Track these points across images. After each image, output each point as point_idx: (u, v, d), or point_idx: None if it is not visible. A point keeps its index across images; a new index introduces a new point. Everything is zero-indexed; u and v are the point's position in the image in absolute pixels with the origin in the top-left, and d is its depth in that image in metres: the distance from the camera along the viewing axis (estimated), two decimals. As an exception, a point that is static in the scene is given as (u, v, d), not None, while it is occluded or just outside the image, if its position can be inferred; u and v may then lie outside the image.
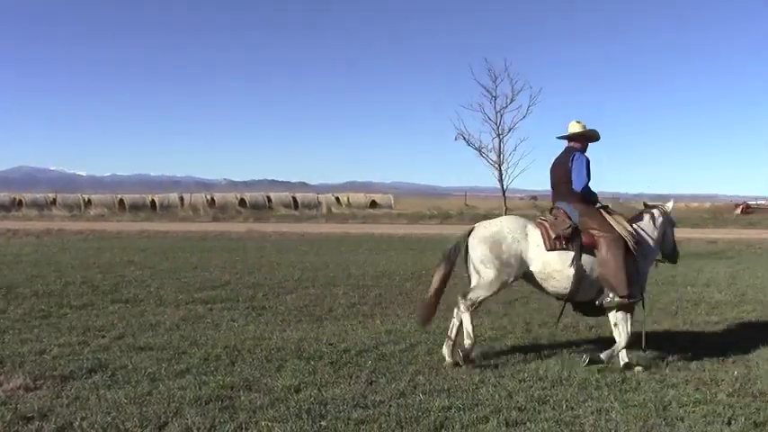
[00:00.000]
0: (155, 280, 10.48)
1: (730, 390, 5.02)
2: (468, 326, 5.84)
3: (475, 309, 5.99)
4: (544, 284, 6.05)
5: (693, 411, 4.55)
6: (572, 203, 6.19)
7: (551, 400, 4.74)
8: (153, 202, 42.82)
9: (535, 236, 5.99)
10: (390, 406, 4.59)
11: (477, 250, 6.04)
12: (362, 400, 4.70)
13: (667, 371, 5.53)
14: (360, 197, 47.71)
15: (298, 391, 4.90)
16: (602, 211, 6.24)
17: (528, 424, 4.29)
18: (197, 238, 20.51)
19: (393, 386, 5.03)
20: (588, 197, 6.28)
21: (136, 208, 40.56)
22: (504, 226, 6.11)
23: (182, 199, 43.43)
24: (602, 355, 5.66)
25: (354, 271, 11.90)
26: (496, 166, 12.17)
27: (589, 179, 6.26)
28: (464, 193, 68.19)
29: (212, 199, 43.94)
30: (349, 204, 44.26)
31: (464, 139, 12.09)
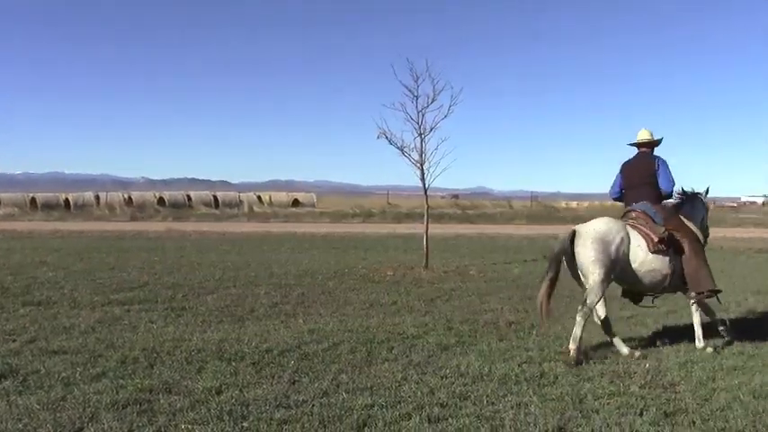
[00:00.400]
0: (69, 281, 10.14)
1: (642, 382, 5.21)
2: (578, 331, 5.98)
3: (590, 314, 6.20)
4: (637, 282, 6.49)
5: (608, 403, 4.70)
6: (655, 206, 6.71)
7: (472, 396, 4.82)
8: (67, 200, 41.41)
9: (636, 238, 6.35)
10: (313, 405, 4.57)
11: (589, 251, 6.17)
12: (285, 400, 4.67)
13: (584, 364, 5.69)
14: (282, 196, 47.40)
15: (219, 392, 4.83)
16: (676, 211, 6.87)
17: (450, 420, 4.34)
18: (114, 237, 19.96)
19: (316, 385, 5.01)
20: (670, 197, 6.95)
21: (49, 207, 39.11)
22: (612, 227, 6.30)
23: (97, 198, 42.15)
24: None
25: (276, 270, 11.80)
26: (418, 165, 12.27)
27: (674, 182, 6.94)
28: (386, 191, 68.52)
29: (130, 198, 42.82)
30: (271, 203, 43.88)
31: (386, 138, 12.14)
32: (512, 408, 4.58)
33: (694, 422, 4.37)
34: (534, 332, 6.90)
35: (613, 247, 6.17)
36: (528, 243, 18.46)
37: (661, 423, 4.35)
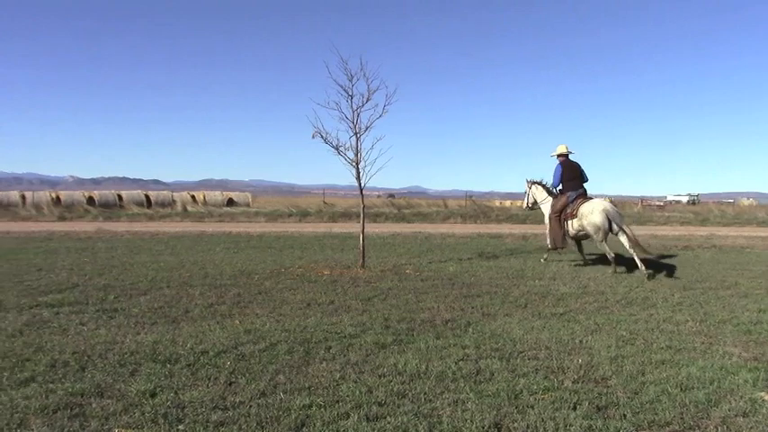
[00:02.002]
0: (-6, 283, 9.79)
1: (575, 377, 5.33)
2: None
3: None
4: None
5: (542, 398, 4.79)
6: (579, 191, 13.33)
7: (410, 394, 4.85)
8: (-10, 200, 39.97)
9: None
10: (251, 406, 4.54)
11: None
12: (222, 402, 4.62)
13: (519, 360, 5.79)
14: (216, 195, 46.73)
15: (153, 395, 4.75)
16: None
17: (388, 418, 4.37)
18: (41, 238, 19.34)
19: (253, 386, 4.97)
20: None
21: (-29, 207, 37.68)
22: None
23: (23, 197, 40.77)
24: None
25: (211, 270, 11.64)
26: (354, 164, 12.25)
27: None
28: (322, 190, 68.21)
29: (58, 197, 41.57)
30: (205, 203, 43.22)
31: (321, 137, 12.07)
32: (449, 405, 4.63)
33: (625, 415, 4.50)
34: (470, 330, 6.99)
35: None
36: (463, 242, 18.65)
37: (594, 417, 4.47)
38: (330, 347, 6.15)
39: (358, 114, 12.09)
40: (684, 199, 76.03)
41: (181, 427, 4.18)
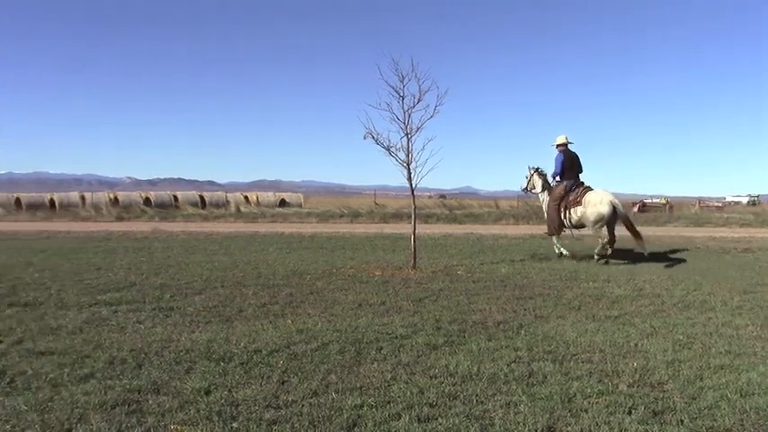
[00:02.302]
0: (55, 282, 10.08)
1: (630, 380, 5.24)
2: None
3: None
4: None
5: (596, 402, 4.72)
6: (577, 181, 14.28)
7: (462, 396, 4.84)
8: (52, 200, 41.12)
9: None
10: (303, 405, 4.58)
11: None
12: (274, 401, 4.67)
13: (572, 363, 5.72)
14: (269, 196, 47.20)
15: (208, 393, 4.83)
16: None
17: (439, 419, 4.36)
18: (100, 238, 19.83)
19: (305, 386, 5.02)
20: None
21: (34, 207, 38.79)
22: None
23: (83, 198, 41.83)
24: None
25: (264, 270, 11.77)
26: (405, 164, 12.24)
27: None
28: (373, 191, 68.32)
29: (116, 198, 42.53)
30: (258, 203, 43.71)
31: (373, 138, 12.09)
32: (501, 407, 4.60)
33: (682, 421, 4.41)
34: (522, 332, 6.93)
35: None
36: (515, 243, 18.50)
37: (649, 422, 4.38)
38: (381, 348, 6.17)
39: (409, 115, 12.10)
40: (744, 200, 73.95)
41: (234, 424, 4.24)
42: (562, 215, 14.12)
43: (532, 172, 15.42)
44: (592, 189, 13.93)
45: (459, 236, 21.20)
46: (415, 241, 12.60)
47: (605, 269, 12.47)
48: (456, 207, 38.45)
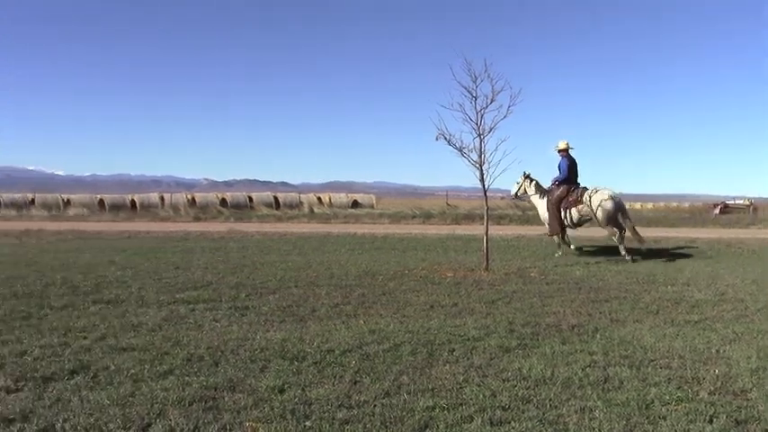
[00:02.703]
0: (136, 280, 10.41)
1: (711, 388, 5.07)
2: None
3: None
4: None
5: (675, 409, 4.59)
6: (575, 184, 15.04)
7: (535, 400, 4.77)
8: (133, 201, 42.50)
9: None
10: (375, 406, 4.59)
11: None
12: (347, 401, 4.70)
13: (650, 369, 5.57)
14: (341, 197, 47.62)
15: (282, 391, 4.90)
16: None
17: (512, 423, 4.31)
18: (178, 238, 20.37)
19: (377, 386, 5.03)
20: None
21: (116, 208, 40.18)
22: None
23: (162, 199, 43.11)
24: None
25: (337, 271, 11.88)
26: (478, 165, 12.16)
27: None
28: (445, 192, 68.09)
29: (193, 199, 43.67)
30: (331, 204, 44.15)
31: (445, 139, 12.04)
32: (575, 412, 4.51)
33: (767, 430, 4.24)
34: (598, 336, 6.79)
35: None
36: (590, 244, 18.15)
37: (732, 431, 4.24)
38: (453, 350, 6.14)
39: (482, 116, 12.01)
40: None
41: (308, 423, 4.28)
42: (563, 215, 14.95)
43: (524, 178, 16.20)
44: (588, 189, 14.89)
45: (532, 237, 20.92)
46: (487, 242, 12.50)
47: (685, 273, 12.11)
48: (529, 208, 37.99)
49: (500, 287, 10.04)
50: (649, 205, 55.74)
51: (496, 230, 22.21)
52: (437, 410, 4.51)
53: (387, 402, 4.67)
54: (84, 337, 6.52)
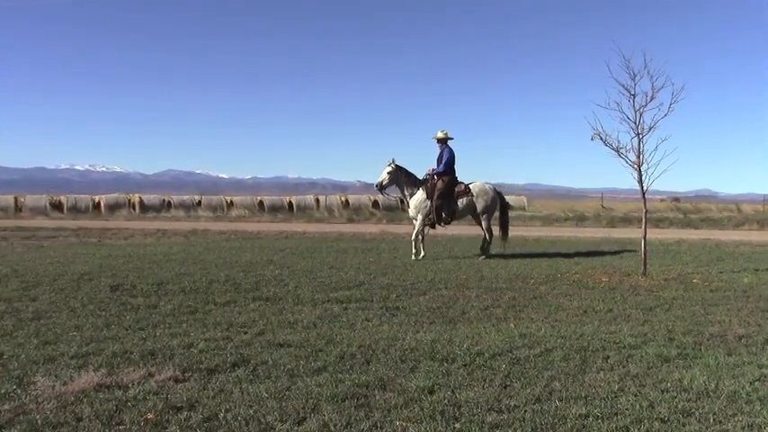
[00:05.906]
0: (292, 279, 10.81)
1: None
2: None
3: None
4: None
5: None
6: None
7: (697, 413, 4.51)
8: (290, 203, 44.22)
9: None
10: (525, 411, 4.52)
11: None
12: (497, 404, 4.65)
13: None
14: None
15: (431, 392, 4.92)
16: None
17: (672, 436, 4.11)
18: (332, 238, 20.98)
19: (528, 391, 4.95)
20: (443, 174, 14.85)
21: (274, 209, 41.98)
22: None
23: (317, 200, 44.60)
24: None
25: (487, 273, 11.80)
26: (635, 166, 11.67)
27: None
28: (600, 194, 66.04)
29: (347, 200, 44.84)
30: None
31: (601, 139, 11.65)
32: (742, 428, 4.24)
33: None
34: (768, 348, 6.33)
35: None
36: (761, 251, 16.98)
37: None
38: (608, 357, 5.93)
39: (640, 114, 11.55)
40: None
41: (457, 425, 4.28)
42: (445, 209, 14.71)
43: (394, 168, 15.00)
44: (472, 183, 15.29)
45: (694, 242, 19.86)
46: (645, 246, 11.99)
47: None
48: (691, 211, 36.18)
49: (659, 293, 9.59)
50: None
51: (655, 234, 21.26)
52: (590, 419, 4.38)
53: (538, 408, 4.58)
54: (245, 332, 6.86)
